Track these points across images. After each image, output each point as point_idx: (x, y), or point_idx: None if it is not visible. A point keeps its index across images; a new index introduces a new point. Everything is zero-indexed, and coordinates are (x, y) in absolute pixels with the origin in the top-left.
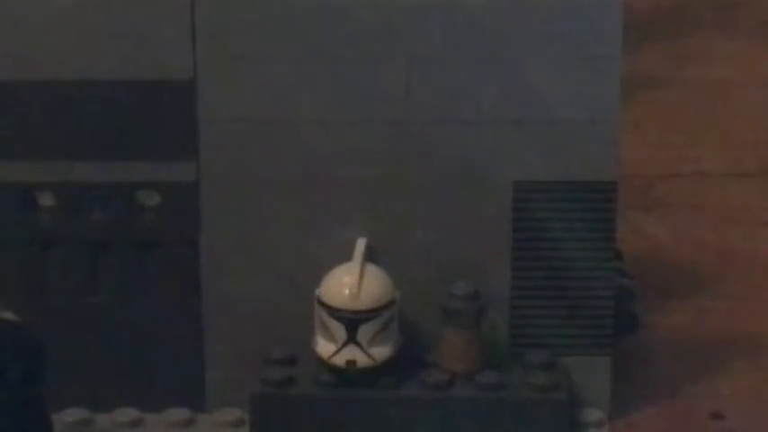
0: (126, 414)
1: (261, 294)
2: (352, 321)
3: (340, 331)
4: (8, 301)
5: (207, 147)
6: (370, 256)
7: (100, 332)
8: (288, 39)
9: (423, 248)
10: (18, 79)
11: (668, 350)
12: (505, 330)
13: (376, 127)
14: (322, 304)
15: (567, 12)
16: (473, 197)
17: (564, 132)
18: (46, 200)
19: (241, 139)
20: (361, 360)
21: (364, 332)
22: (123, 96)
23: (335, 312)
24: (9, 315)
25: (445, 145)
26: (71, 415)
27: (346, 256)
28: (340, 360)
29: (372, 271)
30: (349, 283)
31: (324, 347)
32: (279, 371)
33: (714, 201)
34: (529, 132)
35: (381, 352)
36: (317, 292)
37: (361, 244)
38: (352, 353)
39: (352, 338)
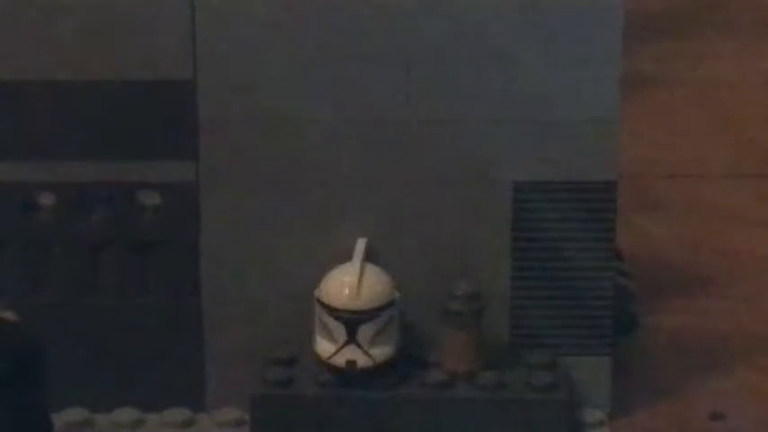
0: (126, 414)
1: (261, 294)
2: (352, 321)
3: (340, 331)
4: (8, 301)
5: (207, 147)
6: (370, 256)
7: (100, 332)
8: (288, 39)
9: (423, 248)
10: (18, 79)
11: (668, 350)
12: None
13: (376, 127)
14: (322, 304)
15: (567, 12)
16: (473, 197)
17: (564, 132)
18: (46, 200)
19: (241, 139)
20: (361, 360)
21: (364, 332)
22: (123, 96)
23: (335, 312)
24: (9, 315)
25: (445, 145)
26: (71, 415)
27: (346, 256)
28: (340, 360)
29: (372, 271)
30: (349, 283)
31: (324, 347)
32: (279, 371)
33: (714, 201)
34: (529, 132)
35: (381, 352)
36: (316, 292)
37: (361, 244)
38: (352, 353)
39: (352, 338)
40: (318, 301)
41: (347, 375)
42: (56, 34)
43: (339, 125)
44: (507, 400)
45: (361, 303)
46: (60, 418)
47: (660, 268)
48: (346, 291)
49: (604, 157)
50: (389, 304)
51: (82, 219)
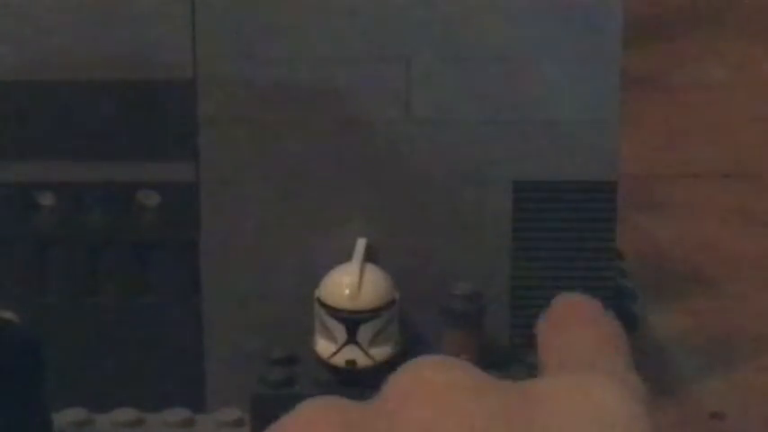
0: (126, 414)
1: (261, 294)
2: (352, 321)
3: (340, 331)
4: (8, 301)
5: (207, 147)
6: (370, 256)
7: (100, 332)
8: (287, 39)
9: (423, 248)
10: (18, 79)
11: (668, 350)
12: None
13: (376, 127)
14: (322, 304)
15: (567, 12)
16: (473, 197)
17: (564, 132)
18: (46, 200)
19: (241, 139)
20: (361, 360)
21: (364, 332)
22: (123, 96)
23: (335, 312)
24: (9, 315)
25: (445, 145)
26: (71, 415)
27: (346, 256)
28: (340, 360)
29: (372, 271)
30: (349, 283)
31: (324, 347)
32: (279, 371)
33: (714, 201)
34: (529, 132)
35: (381, 352)
36: (316, 292)
37: (361, 244)
38: (352, 353)
39: (352, 338)
40: (318, 301)
41: (347, 375)
42: (56, 34)
43: (339, 125)
44: None
45: (361, 303)
46: (60, 418)
47: (660, 268)
48: (346, 291)
49: (604, 157)
50: (389, 304)
51: (82, 219)
